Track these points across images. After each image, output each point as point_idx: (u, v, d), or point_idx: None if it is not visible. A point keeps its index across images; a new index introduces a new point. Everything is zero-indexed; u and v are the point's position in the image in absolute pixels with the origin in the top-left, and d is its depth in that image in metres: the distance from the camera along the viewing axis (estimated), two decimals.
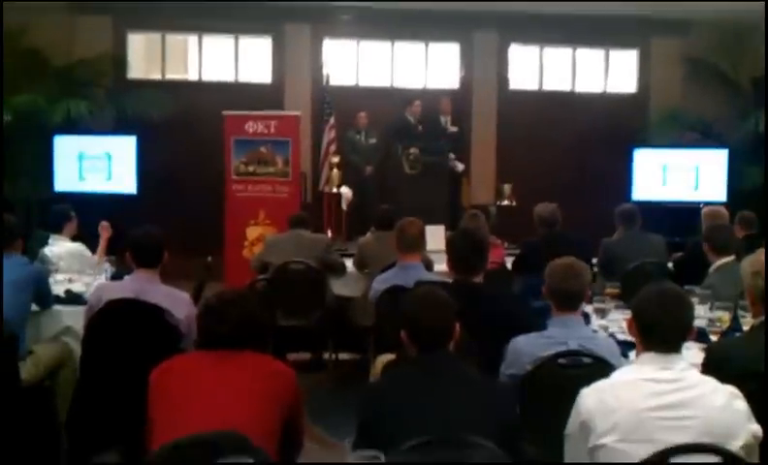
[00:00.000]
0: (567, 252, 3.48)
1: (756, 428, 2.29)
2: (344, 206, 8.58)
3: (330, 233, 7.87)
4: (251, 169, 8.11)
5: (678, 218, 8.31)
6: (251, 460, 2.16)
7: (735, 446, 2.23)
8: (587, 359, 3.06)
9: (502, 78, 10.26)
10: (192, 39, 10.15)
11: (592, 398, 2.33)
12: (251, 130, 8.10)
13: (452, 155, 8.97)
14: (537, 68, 10.44)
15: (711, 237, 4.84)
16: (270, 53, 10.03)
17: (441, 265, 4.53)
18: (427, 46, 10.26)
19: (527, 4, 9.30)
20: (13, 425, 3.63)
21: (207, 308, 2.69)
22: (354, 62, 10.21)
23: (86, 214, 5.81)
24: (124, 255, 4.09)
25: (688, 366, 2.39)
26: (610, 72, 10.50)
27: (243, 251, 7.94)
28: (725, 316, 3.83)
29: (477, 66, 10.16)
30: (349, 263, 5.99)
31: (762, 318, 2.97)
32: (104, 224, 5.75)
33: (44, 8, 8.85)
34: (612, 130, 9.79)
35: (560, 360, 3.07)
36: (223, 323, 2.60)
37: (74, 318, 4.37)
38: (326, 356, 6.14)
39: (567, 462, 2.45)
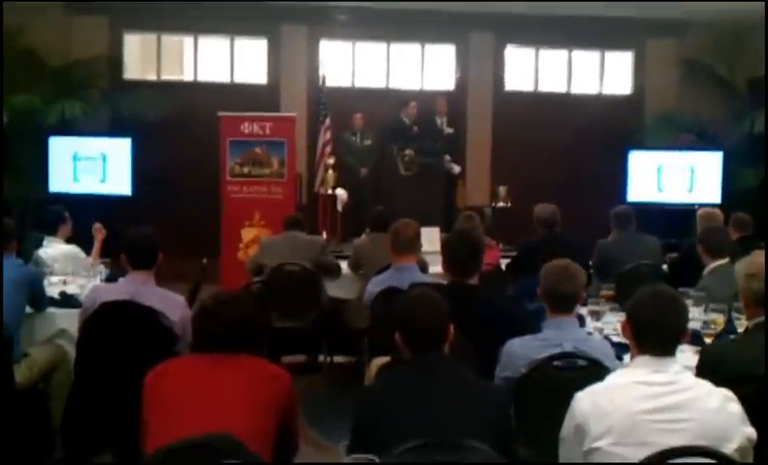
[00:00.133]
0: (566, 254, 3.48)
1: (751, 431, 2.29)
2: (339, 208, 8.58)
3: (325, 235, 7.86)
4: (246, 170, 8.09)
5: (673, 220, 8.32)
6: (245, 463, 2.16)
7: (729, 448, 2.24)
8: (581, 362, 3.06)
9: (498, 80, 10.27)
10: (188, 40, 10.14)
11: (586, 401, 2.33)
12: (246, 131, 8.09)
13: (447, 157, 8.97)
14: (533, 69, 10.46)
15: (705, 239, 4.85)
16: (265, 54, 10.04)
17: (436, 267, 4.52)
18: (422, 47, 10.27)
19: (522, 5, 9.32)
20: (6, 429, 3.62)
21: (202, 310, 2.69)
22: (350, 63, 10.22)
23: (81, 216, 5.79)
24: (119, 257, 4.08)
25: (682, 369, 2.39)
26: (605, 73, 10.51)
27: (238, 253, 7.93)
28: (720, 318, 3.84)
29: (473, 67, 10.17)
30: (344, 265, 5.99)
31: (756, 320, 2.98)
32: (97, 226, 5.73)
33: (40, 8, 8.85)
34: (607, 131, 9.81)
35: (555, 363, 3.07)
36: (218, 325, 2.60)
37: (68, 320, 4.36)
38: (321, 358, 6.13)
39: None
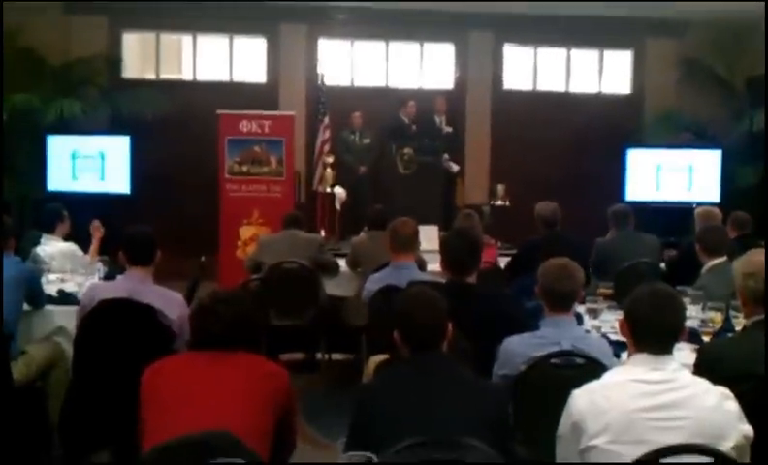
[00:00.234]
0: (566, 253, 3.48)
1: (748, 429, 2.29)
2: (338, 206, 8.57)
3: (323, 233, 7.86)
4: (245, 168, 8.09)
5: (671, 218, 8.33)
6: (243, 461, 2.16)
7: (726, 446, 2.24)
8: (579, 360, 3.06)
9: (497, 79, 10.27)
10: (187, 38, 10.13)
11: (583, 399, 2.33)
12: (245, 129, 8.08)
13: (446, 155, 8.96)
14: (532, 68, 10.45)
15: (703, 238, 4.85)
16: (264, 53, 10.03)
17: (435, 265, 4.53)
18: (421, 46, 10.27)
19: (521, 4, 9.31)
20: (4, 426, 3.62)
21: (200, 308, 2.69)
22: (349, 62, 10.22)
23: (79, 214, 5.79)
24: (117, 255, 4.08)
25: (679, 367, 2.39)
26: (604, 72, 10.51)
27: (237, 251, 7.93)
28: (717, 316, 3.84)
29: (472, 66, 10.16)
30: (342, 263, 5.99)
31: (754, 318, 2.98)
32: (95, 223, 5.73)
33: (39, 7, 8.84)
34: (606, 130, 9.81)
35: (553, 361, 3.07)
36: (216, 322, 2.60)
37: (66, 318, 4.36)
38: (319, 356, 6.13)
39: (559, 463, 2.45)
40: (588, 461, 2.29)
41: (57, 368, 4.31)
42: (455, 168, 9.17)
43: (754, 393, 2.52)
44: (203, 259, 6.05)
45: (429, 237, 5.70)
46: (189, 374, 2.56)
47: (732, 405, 2.30)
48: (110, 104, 9.26)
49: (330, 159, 8.95)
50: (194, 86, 9.93)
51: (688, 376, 2.39)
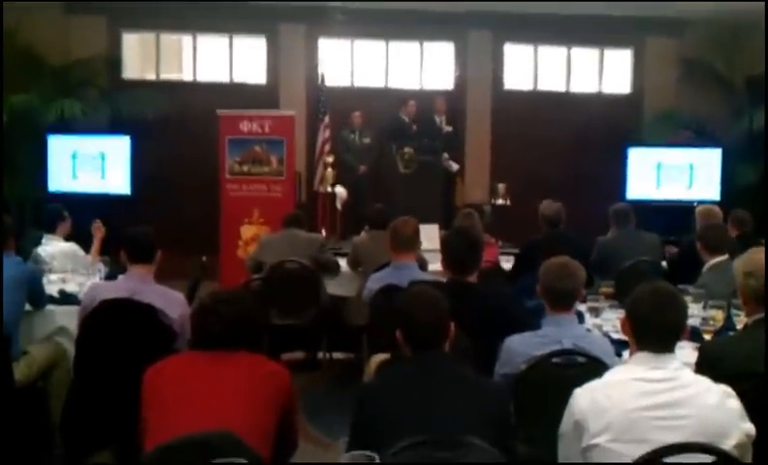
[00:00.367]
0: (567, 252, 3.47)
1: (750, 427, 2.29)
2: (339, 206, 8.57)
3: (324, 233, 7.86)
4: (246, 168, 8.09)
5: (672, 217, 8.32)
6: (245, 461, 2.16)
7: (728, 445, 2.24)
8: (581, 359, 3.06)
9: (497, 78, 10.26)
10: (187, 39, 10.13)
11: (585, 398, 2.33)
12: (246, 129, 8.08)
13: (446, 155, 8.97)
14: (532, 67, 10.44)
15: (704, 236, 4.85)
16: (264, 53, 10.03)
17: (436, 265, 4.53)
18: (421, 45, 10.26)
19: (521, 4, 9.31)
20: (6, 426, 3.62)
21: (201, 307, 2.68)
22: (348, 62, 10.21)
23: (80, 214, 5.79)
24: (118, 254, 4.09)
25: (681, 365, 2.39)
26: (604, 71, 10.50)
27: (238, 250, 7.92)
28: (719, 315, 3.84)
29: (472, 65, 10.16)
30: (343, 263, 5.99)
31: (755, 316, 2.98)
32: (96, 223, 5.73)
33: (39, 7, 8.84)
34: (606, 129, 9.80)
35: (555, 360, 3.07)
36: (217, 322, 2.60)
37: (67, 318, 4.36)
38: (320, 355, 6.13)
39: (561, 462, 2.45)
40: (590, 460, 2.29)
41: (59, 368, 4.31)
42: (455, 167, 9.17)
43: (756, 392, 2.52)
44: (204, 259, 6.05)
45: (429, 237, 5.70)
46: (190, 374, 2.55)
47: (734, 403, 2.30)
48: (110, 104, 9.27)
49: (330, 159, 8.95)
50: (194, 86, 9.93)
51: (689, 375, 2.39)
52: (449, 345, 2.63)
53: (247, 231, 8.00)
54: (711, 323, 3.82)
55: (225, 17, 9.57)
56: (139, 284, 3.85)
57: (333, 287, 5.94)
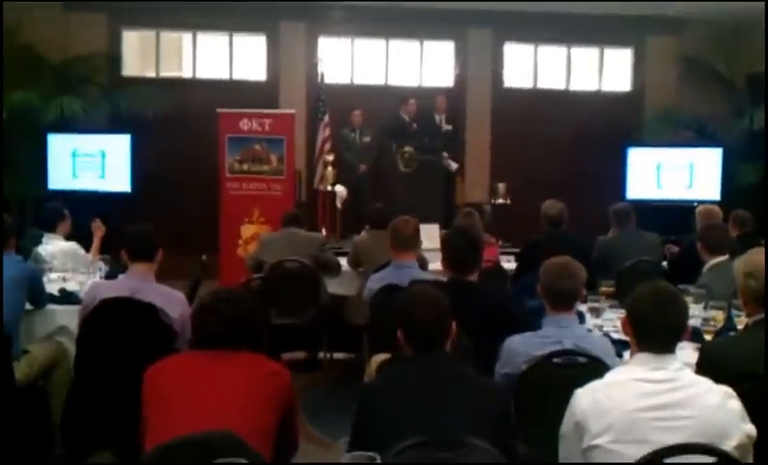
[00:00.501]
0: (567, 252, 3.47)
1: (750, 428, 2.29)
2: (339, 205, 8.56)
3: (324, 232, 7.85)
4: (245, 167, 8.09)
5: (672, 217, 8.31)
6: (245, 461, 2.16)
7: (729, 446, 2.23)
8: (581, 359, 3.06)
9: (497, 76, 10.26)
10: (186, 36, 10.11)
11: (586, 399, 2.33)
12: (245, 128, 8.08)
13: (446, 154, 8.97)
14: (532, 66, 10.44)
15: (705, 236, 4.85)
16: (264, 51, 10.02)
17: (436, 264, 4.53)
18: (421, 44, 10.25)
19: (521, 2, 9.31)
20: (6, 425, 3.62)
21: (201, 307, 2.68)
22: (349, 60, 10.21)
23: (80, 212, 5.79)
24: (118, 253, 4.08)
25: (681, 366, 2.39)
26: (605, 70, 10.50)
27: (238, 249, 7.92)
28: (719, 315, 3.83)
29: (472, 64, 10.15)
30: (344, 262, 5.99)
31: (756, 317, 2.98)
32: (97, 222, 5.73)
33: (38, 5, 8.83)
34: (606, 128, 9.80)
35: (555, 360, 3.07)
36: (218, 321, 2.59)
37: (68, 317, 4.36)
38: (321, 355, 6.13)
39: (562, 462, 2.45)
40: (590, 461, 2.29)
41: (59, 368, 4.31)
42: (454, 166, 9.17)
43: (757, 392, 2.52)
44: (204, 258, 6.05)
45: (430, 236, 5.69)
46: (191, 373, 2.55)
47: (735, 404, 2.30)
48: (110, 102, 9.25)
49: (330, 157, 8.93)
50: (194, 84, 9.92)
51: (690, 375, 2.39)
52: (450, 344, 2.63)
53: (247, 229, 8.00)
54: (711, 323, 3.81)
55: (225, 15, 9.56)
56: (140, 283, 3.85)
57: (333, 286, 5.94)
